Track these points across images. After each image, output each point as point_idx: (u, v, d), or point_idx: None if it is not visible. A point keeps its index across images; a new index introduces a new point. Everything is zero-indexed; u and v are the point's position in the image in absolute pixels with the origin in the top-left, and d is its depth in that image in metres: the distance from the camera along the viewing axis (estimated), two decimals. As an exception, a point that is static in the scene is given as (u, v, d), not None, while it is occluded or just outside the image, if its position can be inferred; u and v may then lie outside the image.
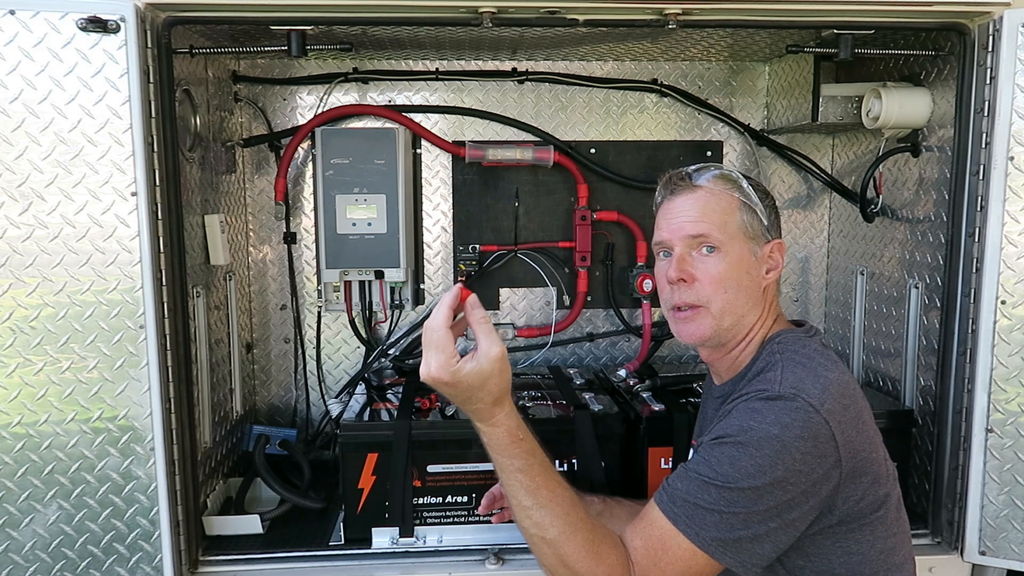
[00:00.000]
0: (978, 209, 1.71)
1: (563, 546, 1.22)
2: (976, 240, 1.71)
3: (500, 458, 1.28)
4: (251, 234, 2.42)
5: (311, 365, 2.48)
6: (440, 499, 1.84)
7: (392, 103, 2.40)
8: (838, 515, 1.25)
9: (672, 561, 1.21)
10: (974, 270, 1.72)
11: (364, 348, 2.44)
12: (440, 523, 1.84)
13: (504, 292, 2.49)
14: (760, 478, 1.18)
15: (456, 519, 1.84)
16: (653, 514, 1.24)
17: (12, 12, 1.49)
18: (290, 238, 2.41)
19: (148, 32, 1.56)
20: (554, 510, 1.24)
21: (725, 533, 1.19)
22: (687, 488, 1.22)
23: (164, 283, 1.61)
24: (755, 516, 1.19)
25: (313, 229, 2.42)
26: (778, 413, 1.21)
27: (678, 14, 1.65)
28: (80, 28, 1.50)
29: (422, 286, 2.47)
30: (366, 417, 1.91)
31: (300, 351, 2.46)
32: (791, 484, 1.19)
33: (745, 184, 1.40)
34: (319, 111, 2.35)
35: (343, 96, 2.39)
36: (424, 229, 2.45)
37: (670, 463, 1.88)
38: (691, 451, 1.58)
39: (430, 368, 1.21)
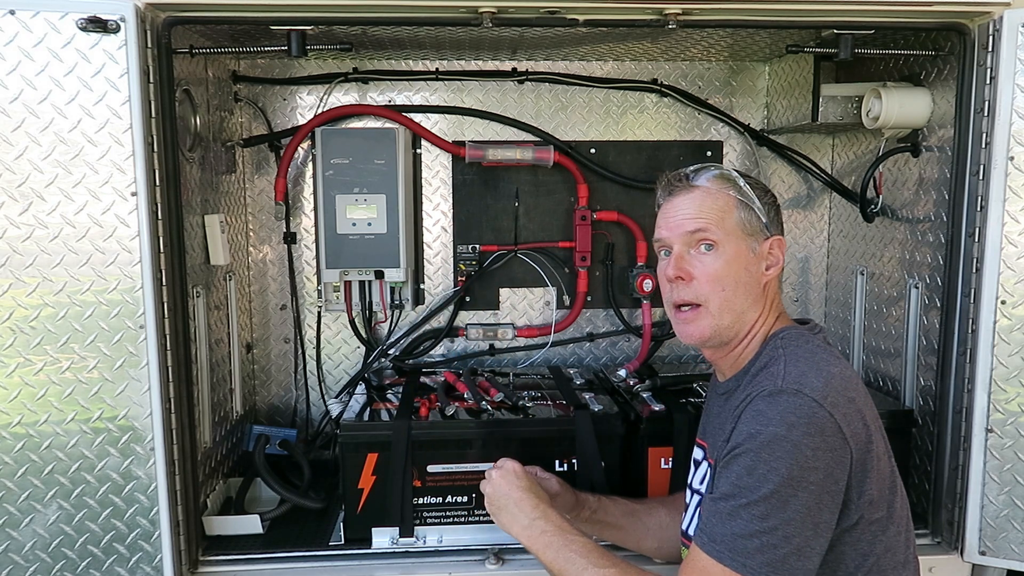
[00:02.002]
0: (978, 209, 1.71)
1: None
2: (976, 240, 1.71)
3: (554, 537, 1.42)
4: (251, 234, 2.42)
5: (311, 365, 2.48)
6: (440, 499, 1.84)
7: (392, 103, 2.40)
8: (855, 514, 1.25)
9: None
10: (974, 270, 1.72)
11: (364, 348, 2.44)
12: (440, 523, 1.84)
13: (504, 292, 2.49)
14: (774, 479, 1.18)
15: (456, 519, 1.84)
16: (698, 558, 1.24)
17: (12, 12, 1.49)
18: (290, 238, 2.41)
19: (148, 32, 1.56)
20: (613, 563, 1.35)
21: (770, 554, 1.18)
22: (720, 521, 1.22)
23: (164, 283, 1.61)
24: (791, 528, 1.18)
25: (313, 229, 2.42)
26: (782, 412, 1.21)
27: (678, 14, 1.65)
28: (80, 28, 1.50)
29: (422, 286, 2.47)
30: (366, 417, 1.91)
31: (300, 351, 2.46)
32: (811, 483, 1.18)
33: (742, 182, 1.41)
34: (319, 111, 2.35)
35: (343, 96, 2.39)
36: (424, 229, 2.45)
37: (670, 463, 1.88)
38: (696, 449, 1.58)
39: (515, 465, 1.56)
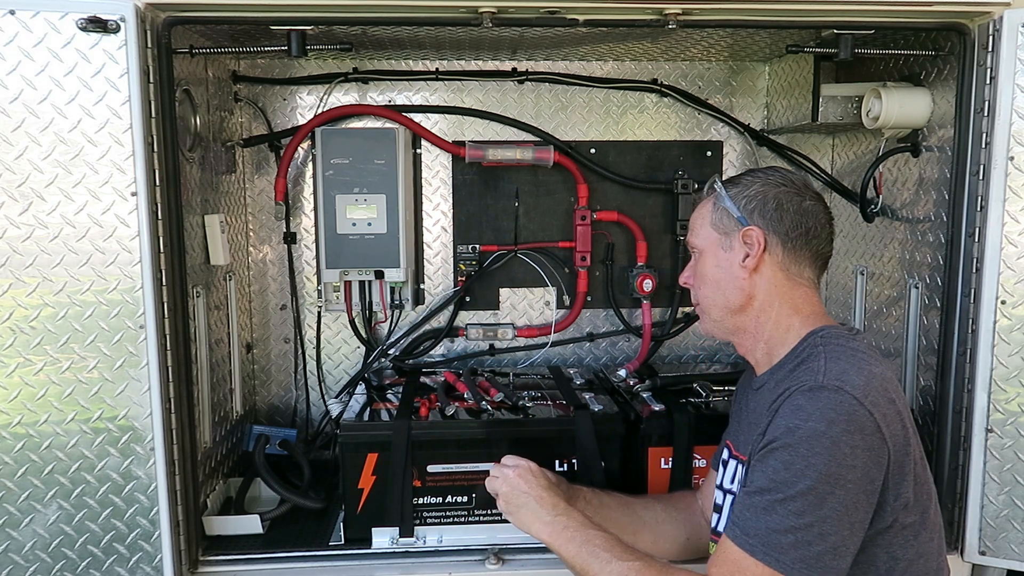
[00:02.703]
0: (978, 209, 1.71)
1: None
2: (976, 240, 1.71)
3: (578, 543, 1.42)
4: (251, 234, 2.42)
5: (311, 365, 2.48)
6: (440, 499, 1.84)
7: (392, 103, 2.40)
8: (889, 516, 1.24)
9: None
10: (974, 270, 1.72)
11: (364, 348, 2.44)
12: (440, 523, 1.84)
13: (504, 292, 2.49)
14: (812, 475, 1.18)
15: (456, 519, 1.84)
16: (730, 551, 1.24)
17: (12, 12, 1.49)
18: (290, 238, 2.41)
19: (148, 32, 1.56)
20: (638, 557, 1.36)
21: (804, 551, 1.17)
22: (755, 515, 1.22)
23: (164, 283, 1.61)
24: (827, 525, 1.17)
25: (313, 229, 2.42)
26: (822, 408, 1.20)
27: (678, 14, 1.65)
28: (80, 28, 1.50)
29: (422, 286, 2.47)
30: (366, 417, 1.91)
31: (300, 351, 2.46)
32: (848, 481, 1.18)
33: (718, 184, 1.49)
34: (319, 111, 2.35)
35: (343, 96, 2.39)
36: (424, 229, 2.45)
37: (670, 463, 1.88)
38: (722, 448, 1.59)
39: (530, 464, 1.59)
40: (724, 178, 1.51)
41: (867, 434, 1.19)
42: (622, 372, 2.26)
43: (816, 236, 1.44)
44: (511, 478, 1.55)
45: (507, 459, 1.61)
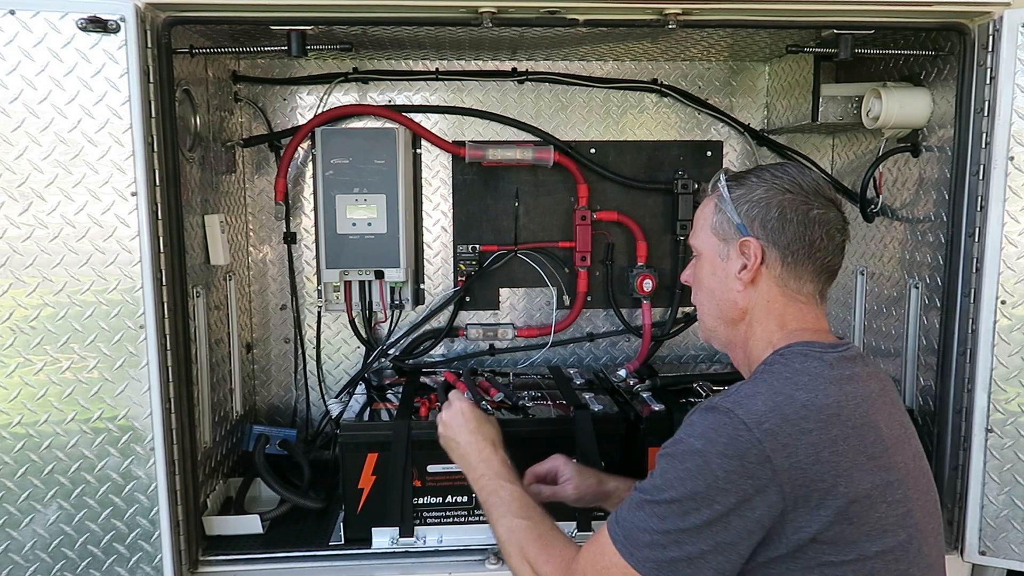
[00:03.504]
0: (978, 209, 1.71)
1: (526, 542, 1.35)
2: (976, 240, 1.71)
3: (490, 480, 1.48)
4: (251, 234, 2.42)
5: (311, 365, 2.48)
6: (440, 499, 1.84)
7: (392, 103, 2.40)
8: (786, 545, 1.15)
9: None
10: (974, 270, 1.72)
11: (364, 348, 2.44)
12: (440, 523, 1.84)
13: (504, 292, 2.49)
14: (680, 489, 1.15)
15: (456, 519, 1.84)
16: (601, 534, 1.24)
17: (12, 12, 1.49)
18: (290, 238, 2.41)
19: (148, 32, 1.56)
20: (526, 513, 1.40)
21: (658, 552, 1.16)
22: (628, 509, 1.22)
23: (164, 283, 1.61)
24: (686, 536, 1.15)
25: (313, 229, 2.42)
26: (706, 427, 1.17)
27: (678, 14, 1.65)
28: (80, 28, 1.50)
29: (422, 286, 2.47)
30: (366, 417, 1.91)
31: (300, 351, 2.46)
32: (716, 502, 1.13)
33: (722, 181, 1.37)
34: (319, 111, 2.35)
35: (343, 96, 2.39)
36: (424, 229, 2.45)
37: (670, 463, 1.88)
38: None
39: (452, 409, 1.60)
40: (730, 174, 1.39)
41: (748, 461, 1.12)
42: (622, 372, 2.26)
43: (822, 248, 1.32)
44: (444, 420, 1.61)
45: (452, 396, 1.66)
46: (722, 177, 1.38)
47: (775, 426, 1.14)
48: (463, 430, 1.57)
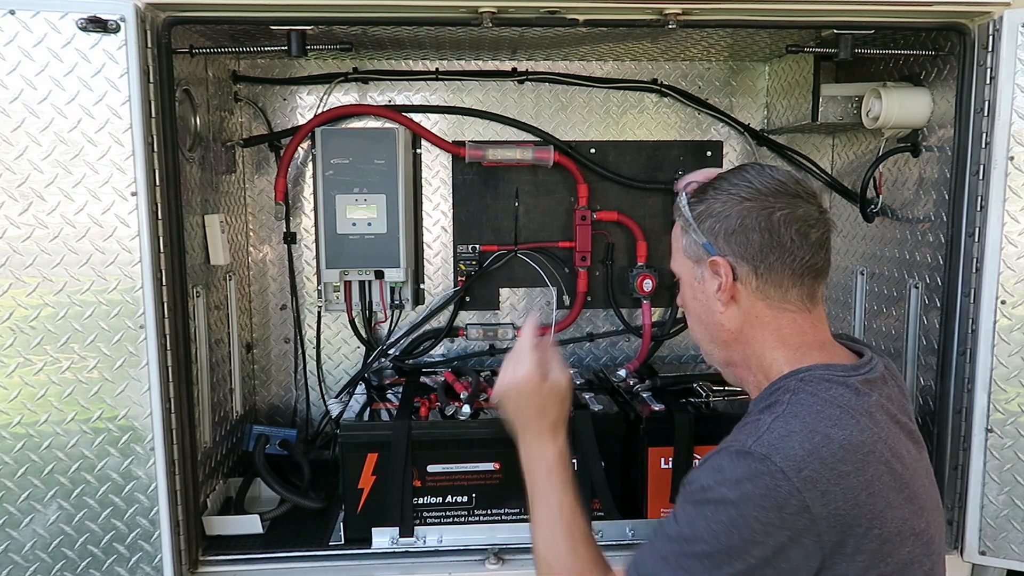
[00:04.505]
0: (978, 209, 1.71)
1: (560, 567, 1.27)
2: (976, 240, 1.71)
3: (542, 475, 1.34)
4: (251, 234, 2.42)
5: (311, 365, 2.48)
6: (440, 499, 1.84)
7: (392, 103, 2.40)
8: None
9: None
10: (974, 270, 1.72)
11: (364, 348, 2.44)
12: (440, 523, 1.84)
13: (504, 292, 2.49)
14: (712, 543, 1.07)
15: (456, 519, 1.84)
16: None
17: (12, 12, 1.49)
18: (290, 238, 2.41)
19: (148, 32, 1.56)
20: (569, 531, 1.29)
21: None
22: (652, 556, 1.14)
23: (164, 283, 1.61)
24: None
25: (313, 229, 2.42)
26: (740, 476, 1.07)
27: (678, 14, 1.65)
28: (80, 28, 1.50)
29: (422, 286, 2.47)
30: (366, 417, 1.91)
31: (300, 351, 2.46)
32: (751, 555, 1.06)
33: (683, 201, 1.29)
34: (319, 111, 2.35)
35: (343, 96, 2.39)
36: (424, 229, 2.45)
37: (670, 463, 1.88)
38: None
39: (516, 375, 1.34)
40: (692, 191, 1.30)
41: (788, 513, 1.05)
42: (622, 372, 2.26)
43: (796, 249, 1.21)
44: (506, 385, 1.37)
45: (520, 349, 1.38)
46: (683, 196, 1.30)
47: (814, 472, 1.06)
48: (523, 410, 1.37)
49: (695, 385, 2.09)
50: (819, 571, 1.08)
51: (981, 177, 1.70)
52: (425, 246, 2.46)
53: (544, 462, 1.34)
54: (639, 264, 2.45)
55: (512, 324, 2.48)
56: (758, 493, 1.05)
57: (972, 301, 1.73)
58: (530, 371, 1.34)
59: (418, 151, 2.41)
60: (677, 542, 1.11)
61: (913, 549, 1.13)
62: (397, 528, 1.83)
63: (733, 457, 1.10)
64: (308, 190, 2.40)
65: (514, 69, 2.39)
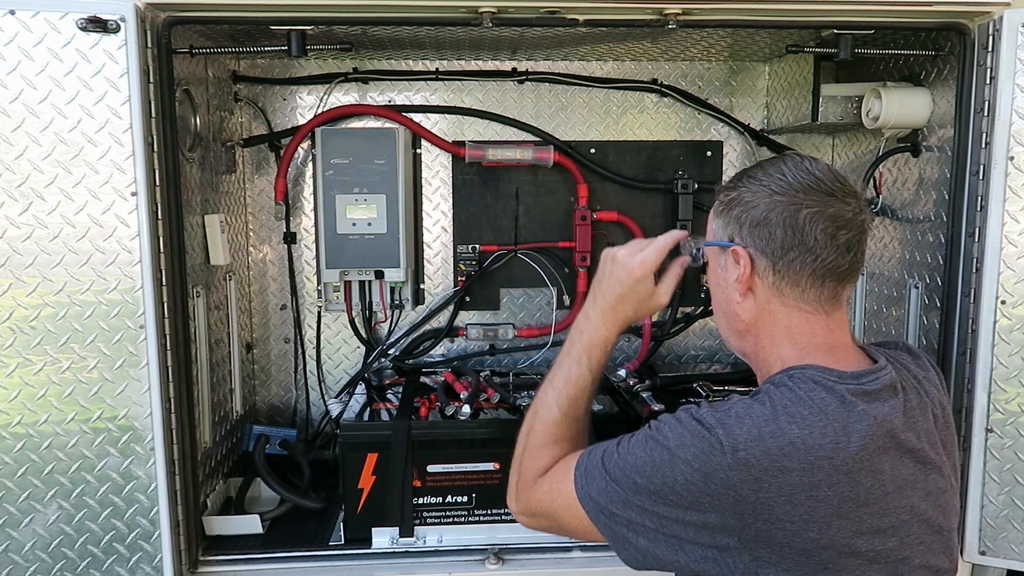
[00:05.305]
0: (978, 209, 1.71)
1: (540, 431, 1.36)
2: (976, 240, 1.71)
3: (580, 347, 1.39)
4: (251, 234, 2.42)
5: (311, 365, 2.48)
6: (440, 499, 1.84)
7: (392, 103, 2.40)
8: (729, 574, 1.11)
9: (554, 496, 1.26)
10: (974, 270, 1.72)
11: (364, 348, 2.44)
12: (440, 523, 1.84)
13: (504, 292, 2.49)
14: (638, 477, 1.15)
15: (456, 519, 1.84)
16: (575, 457, 1.27)
17: (12, 12, 1.49)
18: (290, 238, 2.41)
19: (148, 32, 1.56)
20: (566, 406, 1.36)
21: (603, 500, 1.19)
22: (606, 451, 1.23)
23: (164, 283, 1.61)
24: (632, 504, 1.15)
25: (313, 229, 2.42)
26: (685, 432, 1.13)
27: (678, 14, 1.65)
28: (80, 28, 1.50)
29: (422, 286, 2.47)
30: (366, 417, 1.91)
31: (300, 351, 2.46)
32: (669, 502, 1.12)
33: (719, 185, 1.34)
34: (319, 111, 2.35)
35: (343, 96, 2.39)
36: (424, 229, 2.45)
37: (670, 463, 1.88)
38: None
39: (635, 255, 1.38)
40: (732, 177, 1.31)
41: (712, 482, 1.08)
42: (622, 372, 2.26)
43: (820, 249, 1.17)
44: (618, 255, 1.40)
45: (663, 240, 1.40)
46: (723, 181, 1.37)
47: (751, 457, 1.07)
48: (611, 284, 1.39)
49: (695, 385, 2.09)
50: (743, 556, 1.09)
51: (981, 177, 1.70)
52: (425, 246, 2.46)
53: (589, 338, 1.39)
54: (639, 264, 2.44)
55: (512, 324, 2.48)
56: (693, 452, 1.11)
57: (972, 301, 1.73)
58: (650, 262, 1.37)
59: (418, 151, 2.41)
60: (622, 456, 1.20)
61: (867, 566, 1.09)
62: (397, 528, 1.83)
63: (691, 418, 1.16)
64: (308, 190, 2.40)
65: (514, 69, 2.39)
